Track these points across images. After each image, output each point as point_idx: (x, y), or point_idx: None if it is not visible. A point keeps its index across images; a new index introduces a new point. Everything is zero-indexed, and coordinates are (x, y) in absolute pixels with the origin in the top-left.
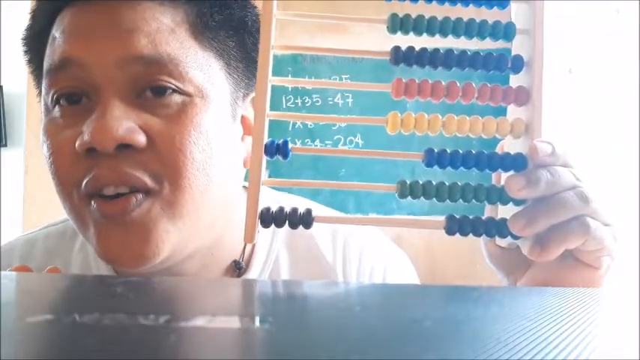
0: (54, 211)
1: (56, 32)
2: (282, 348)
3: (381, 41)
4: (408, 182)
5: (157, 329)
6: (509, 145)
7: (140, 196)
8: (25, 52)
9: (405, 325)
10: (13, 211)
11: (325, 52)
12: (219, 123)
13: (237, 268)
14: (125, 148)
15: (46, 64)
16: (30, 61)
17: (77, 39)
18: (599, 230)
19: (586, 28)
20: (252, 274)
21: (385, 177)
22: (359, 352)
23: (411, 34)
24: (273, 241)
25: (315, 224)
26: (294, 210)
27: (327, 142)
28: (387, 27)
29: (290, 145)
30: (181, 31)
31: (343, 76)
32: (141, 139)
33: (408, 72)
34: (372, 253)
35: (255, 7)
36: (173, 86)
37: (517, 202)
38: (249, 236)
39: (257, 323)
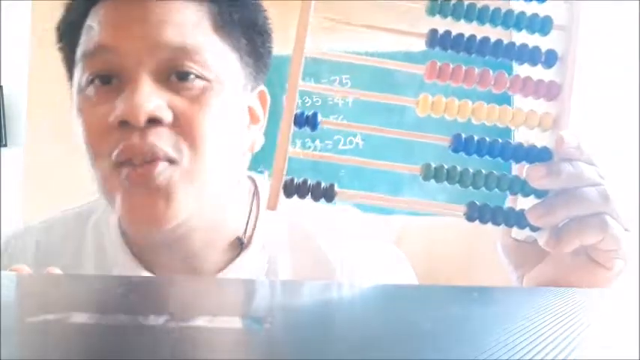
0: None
1: (92, 22)
2: (282, 348)
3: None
4: (433, 165)
5: (157, 329)
6: (520, 136)
7: (164, 164)
8: (59, 39)
9: (405, 326)
10: (13, 211)
11: (364, 27)
12: (232, 108)
13: (240, 244)
14: (153, 122)
15: (81, 49)
16: (62, 49)
17: (113, 28)
18: (618, 230)
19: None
20: (252, 250)
21: (385, 177)
22: (359, 352)
23: (446, 18)
24: (274, 223)
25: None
26: (318, 183)
27: (327, 142)
28: (426, 9)
29: (319, 118)
30: (204, 25)
31: (343, 77)
32: (167, 115)
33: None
34: (371, 248)
35: (265, 9)
36: (196, 72)
37: (538, 195)
38: (273, 203)
39: (257, 323)
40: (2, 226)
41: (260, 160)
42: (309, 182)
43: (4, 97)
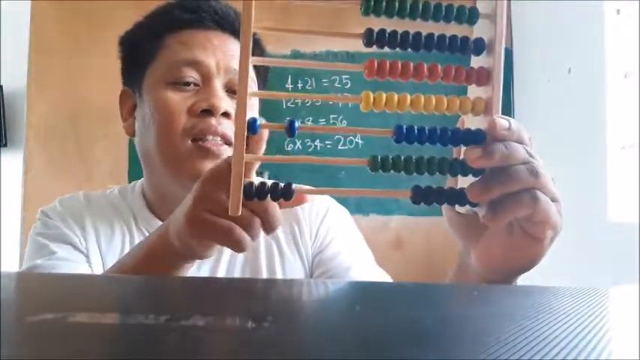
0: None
1: (172, 42)
2: (282, 348)
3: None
4: (379, 157)
5: (157, 329)
6: (469, 122)
7: (226, 147)
8: (125, 51)
9: (405, 325)
10: (13, 211)
11: (302, 32)
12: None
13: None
14: (224, 115)
15: (174, 59)
16: (125, 58)
17: (205, 50)
18: (547, 204)
19: (586, 28)
20: None
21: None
22: (359, 351)
23: (385, 18)
24: None
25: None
26: (276, 184)
27: (327, 142)
28: (361, 9)
29: (259, 122)
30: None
31: (343, 77)
32: (232, 112)
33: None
34: (322, 203)
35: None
36: None
37: (475, 174)
38: (235, 209)
39: (257, 323)
40: (2, 226)
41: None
42: (267, 184)
43: (4, 97)
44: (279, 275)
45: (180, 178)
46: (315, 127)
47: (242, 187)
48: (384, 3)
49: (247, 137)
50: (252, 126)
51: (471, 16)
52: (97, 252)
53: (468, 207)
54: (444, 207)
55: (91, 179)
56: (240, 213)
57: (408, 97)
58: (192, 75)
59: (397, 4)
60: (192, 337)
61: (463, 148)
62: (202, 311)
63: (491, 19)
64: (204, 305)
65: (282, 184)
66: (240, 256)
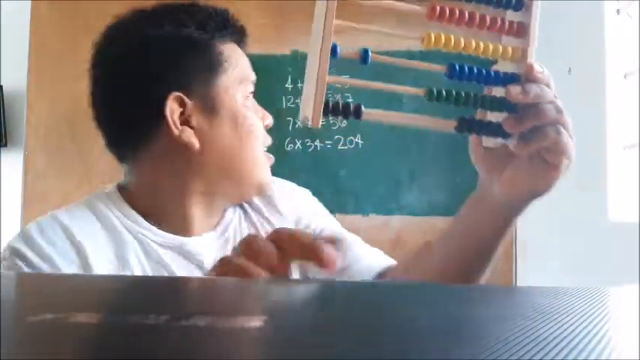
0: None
1: (231, 53)
2: (282, 348)
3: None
4: (435, 89)
5: (157, 329)
6: (504, 67)
7: None
8: (194, 54)
9: (404, 325)
10: (13, 211)
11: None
12: None
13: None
14: None
15: (244, 76)
16: (189, 60)
17: (250, 67)
18: (567, 137)
19: (586, 28)
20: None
21: (385, 176)
22: (358, 351)
23: None
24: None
25: None
26: (348, 104)
27: (327, 142)
28: None
29: (338, 50)
30: None
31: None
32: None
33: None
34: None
35: None
36: None
37: (510, 110)
38: (317, 120)
39: (257, 323)
40: (2, 226)
41: None
42: (340, 103)
43: (4, 97)
44: None
45: (250, 189)
46: (382, 58)
47: (322, 101)
48: None
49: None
50: (334, 51)
51: None
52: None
53: (499, 140)
54: (472, 143)
55: (91, 179)
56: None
57: (462, 39)
58: (249, 91)
59: None
60: (192, 337)
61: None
62: (202, 311)
63: None
64: (204, 305)
65: (352, 105)
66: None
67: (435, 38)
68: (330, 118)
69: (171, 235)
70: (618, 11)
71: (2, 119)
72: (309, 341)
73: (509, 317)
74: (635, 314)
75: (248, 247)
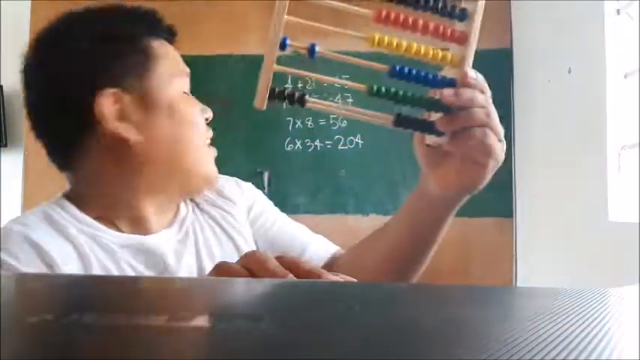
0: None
1: (165, 52)
2: (281, 348)
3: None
4: (375, 85)
5: (157, 329)
6: (447, 73)
7: None
8: (126, 53)
9: (404, 325)
10: (13, 211)
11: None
12: None
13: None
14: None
15: (179, 70)
16: (122, 56)
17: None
18: (493, 139)
19: (586, 28)
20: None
21: (383, 176)
22: (358, 352)
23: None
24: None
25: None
26: (292, 92)
27: (327, 142)
28: None
29: (287, 42)
30: None
31: (343, 77)
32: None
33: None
34: (229, 182)
35: None
36: None
37: (445, 111)
38: (261, 103)
39: (256, 323)
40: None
41: (258, 161)
42: (286, 91)
43: (4, 97)
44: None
45: (198, 182)
46: (328, 54)
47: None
48: None
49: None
50: (283, 44)
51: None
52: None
53: (435, 138)
54: (416, 140)
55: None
56: (264, 106)
57: (405, 42)
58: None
59: None
60: (192, 337)
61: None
62: (202, 311)
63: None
64: (204, 305)
65: (298, 93)
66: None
67: (379, 39)
68: (276, 102)
69: (127, 235)
70: (618, 11)
71: (2, 119)
72: (309, 341)
73: (509, 317)
74: (635, 314)
75: (220, 273)
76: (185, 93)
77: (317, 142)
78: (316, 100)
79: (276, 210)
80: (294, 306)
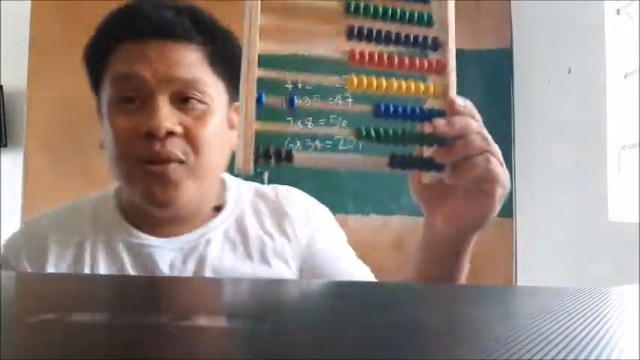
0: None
1: (119, 55)
2: (282, 347)
3: None
4: (364, 128)
5: (157, 329)
6: (430, 105)
7: (175, 164)
8: (87, 64)
9: (405, 325)
10: (13, 211)
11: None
12: (221, 121)
13: (217, 209)
14: (169, 134)
15: (112, 75)
16: (89, 71)
17: (139, 62)
18: (497, 165)
19: (586, 28)
20: (225, 212)
21: (383, 176)
22: (359, 351)
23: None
24: (238, 201)
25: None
26: (279, 149)
27: (327, 142)
28: (343, 10)
29: (264, 97)
30: (203, 64)
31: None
32: (179, 129)
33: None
34: (300, 204)
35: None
36: (198, 98)
37: (440, 143)
38: (247, 168)
39: (257, 323)
40: (2, 226)
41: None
42: (270, 149)
43: (4, 97)
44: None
45: (138, 201)
46: (308, 104)
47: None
48: (361, 5)
49: None
50: (259, 100)
51: (428, 20)
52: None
53: (435, 175)
54: (411, 181)
55: (91, 179)
56: (251, 169)
57: (384, 81)
58: (131, 90)
59: (372, 8)
60: (192, 337)
61: (427, 124)
62: (202, 311)
63: (444, 24)
64: (204, 305)
65: (283, 151)
66: (227, 258)
67: (358, 81)
68: (262, 163)
69: (139, 234)
70: (618, 11)
71: (2, 119)
72: (310, 341)
73: (510, 317)
74: (635, 314)
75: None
76: (121, 100)
77: (317, 142)
78: (304, 156)
79: (340, 242)
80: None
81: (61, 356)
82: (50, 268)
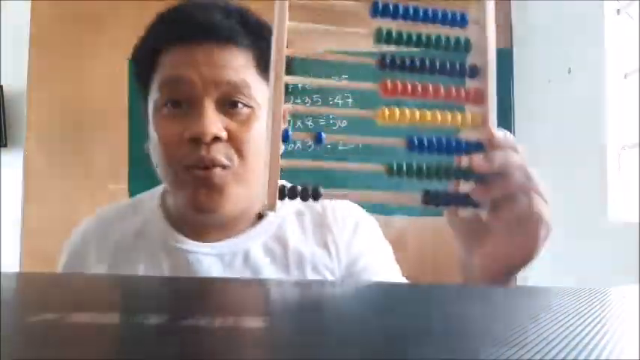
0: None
1: (166, 60)
2: (282, 348)
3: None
4: (395, 164)
5: (157, 329)
6: (468, 135)
7: (219, 169)
8: (135, 69)
9: (405, 325)
10: (13, 211)
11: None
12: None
13: (260, 216)
14: (214, 139)
15: (160, 79)
16: (137, 75)
17: (186, 66)
18: (540, 204)
19: (586, 28)
20: (268, 218)
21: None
22: (359, 351)
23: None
24: (281, 209)
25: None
26: (306, 187)
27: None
28: (373, 39)
29: (290, 133)
30: (249, 67)
31: (343, 77)
32: (224, 134)
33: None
34: (351, 215)
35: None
36: (244, 102)
37: (477, 179)
38: (272, 206)
39: (257, 323)
40: (2, 226)
41: None
42: (297, 187)
43: (4, 97)
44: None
45: (183, 205)
46: (337, 138)
47: (278, 188)
48: (393, 33)
49: None
50: (285, 136)
51: (465, 46)
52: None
53: (471, 210)
54: (448, 215)
55: (91, 179)
56: (276, 209)
57: (417, 112)
58: (178, 94)
59: (405, 34)
60: (192, 337)
61: (464, 158)
62: (202, 311)
63: (483, 49)
64: (204, 305)
65: (310, 188)
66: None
67: (389, 113)
68: (288, 200)
69: (179, 237)
70: (618, 11)
71: (2, 119)
72: (310, 341)
73: (510, 317)
74: (635, 314)
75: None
76: (168, 104)
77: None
78: (331, 192)
79: (382, 259)
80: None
81: (61, 356)
82: (94, 268)
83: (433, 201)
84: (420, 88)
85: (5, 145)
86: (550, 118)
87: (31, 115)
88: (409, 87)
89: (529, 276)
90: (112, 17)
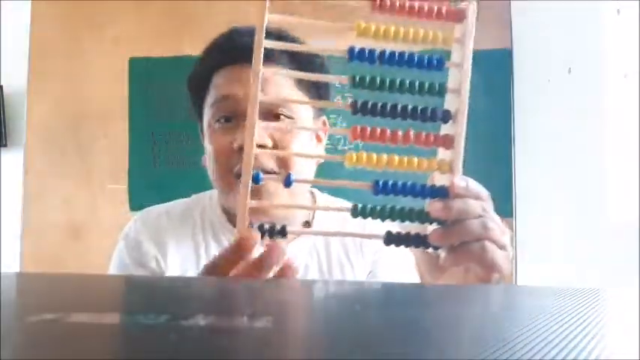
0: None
1: (218, 80)
2: (282, 348)
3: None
4: (360, 205)
5: (157, 329)
6: (438, 179)
7: (266, 176)
8: (190, 90)
9: (404, 325)
10: (13, 211)
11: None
12: (307, 134)
13: (306, 224)
14: (260, 147)
15: (213, 98)
16: (192, 96)
17: (234, 85)
18: (493, 252)
19: (586, 28)
20: (312, 227)
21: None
22: (358, 351)
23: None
24: (326, 218)
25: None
26: (273, 226)
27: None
28: (349, 83)
29: (261, 175)
30: (289, 83)
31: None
32: (269, 142)
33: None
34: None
35: (324, 64)
36: (285, 114)
37: (439, 223)
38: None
39: (257, 323)
40: (2, 226)
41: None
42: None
43: (4, 97)
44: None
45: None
46: (307, 180)
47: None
48: (367, 78)
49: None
50: (255, 178)
51: (440, 90)
52: (176, 269)
53: (431, 250)
54: (412, 249)
55: (91, 179)
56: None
57: (385, 156)
58: (228, 111)
59: (379, 80)
60: (192, 337)
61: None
62: (202, 311)
63: (457, 93)
64: (204, 305)
65: (278, 227)
66: (314, 268)
67: (357, 157)
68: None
69: (229, 229)
70: (618, 11)
71: (2, 119)
72: (311, 341)
73: (509, 317)
74: (634, 314)
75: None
76: (220, 120)
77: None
78: (296, 229)
79: (400, 269)
80: (296, 306)
81: (61, 356)
82: (170, 261)
83: (395, 241)
84: (388, 133)
85: (5, 145)
86: (550, 118)
87: (31, 115)
88: (378, 131)
89: (529, 275)
90: (112, 17)
